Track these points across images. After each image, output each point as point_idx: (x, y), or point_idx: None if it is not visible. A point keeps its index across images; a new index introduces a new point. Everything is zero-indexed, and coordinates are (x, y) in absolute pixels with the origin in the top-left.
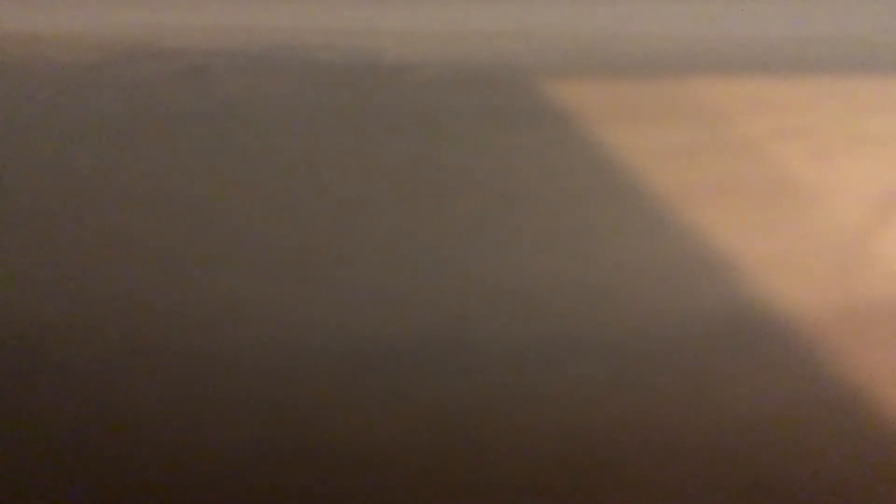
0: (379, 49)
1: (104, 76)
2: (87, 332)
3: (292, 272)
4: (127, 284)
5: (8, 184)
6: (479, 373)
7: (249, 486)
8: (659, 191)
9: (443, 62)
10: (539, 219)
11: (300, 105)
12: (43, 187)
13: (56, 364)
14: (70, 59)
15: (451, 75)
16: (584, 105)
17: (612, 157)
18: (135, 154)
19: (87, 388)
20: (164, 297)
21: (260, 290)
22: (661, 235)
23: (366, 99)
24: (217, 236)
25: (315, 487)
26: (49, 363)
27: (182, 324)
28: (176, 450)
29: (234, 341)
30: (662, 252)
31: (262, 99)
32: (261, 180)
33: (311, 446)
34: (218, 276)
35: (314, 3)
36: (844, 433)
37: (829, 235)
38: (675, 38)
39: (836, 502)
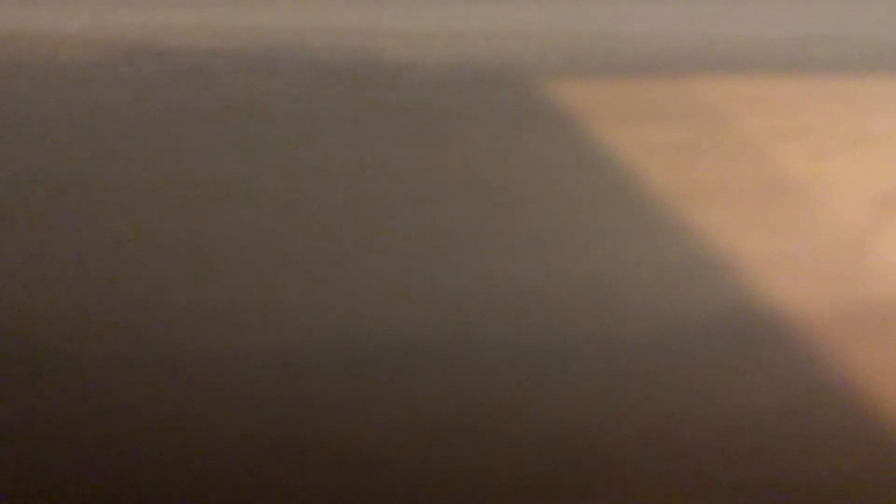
0: (379, 49)
1: (104, 76)
2: (88, 333)
3: (293, 272)
4: (127, 284)
5: (7, 183)
6: (478, 372)
7: (250, 485)
8: (659, 191)
9: (443, 62)
10: (539, 219)
11: (300, 105)
12: (42, 187)
13: (56, 364)
14: (70, 59)
15: (451, 75)
16: (584, 105)
17: (612, 157)
18: (135, 153)
19: (88, 388)
20: (163, 296)
21: (260, 289)
22: (661, 235)
23: (366, 99)
24: (217, 236)
25: (315, 487)
26: (49, 363)
27: (182, 324)
28: (176, 450)
29: (235, 341)
30: (662, 252)
31: (262, 99)
32: (261, 180)
33: (312, 446)
34: (218, 275)
35: (314, 3)
36: (844, 433)
37: (829, 235)
38: (675, 38)
39: (836, 502)
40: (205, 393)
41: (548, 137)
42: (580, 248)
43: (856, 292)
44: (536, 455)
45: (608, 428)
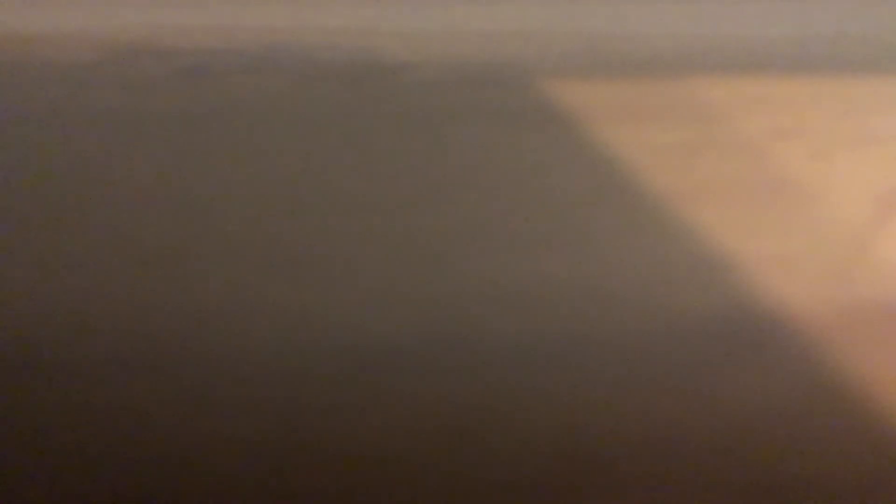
0: (379, 49)
1: (104, 75)
2: (88, 333)
3: (292, 272)
4: (127, 284)
5: (7, 183)
6: (479, 372)
7: (249, 486)
8: (659, 191)
9: (443, 62)
10: (539, 219)
11: (300, 105)
12: (43, 187)
13: (56, 364)
14: (70, 59)
15: (451, 75)
16: (584, 105)
17: (612, 157)
18: (135, 153)
19: (88, 388)
20: (163, 297)
21: (260, 289)
22: (661, 235)
23: (366, 99)
24: (217, 236)
25: (315, 487)
26: (49, 363)
27: (181, 324)
28: (176, 450)
29: (235, 341)
30: (662, 252)
31: (262, 99)
32: (261, 180)
33: (312, 446)
34: (218, 276)
35: (314, 3)
36: (844, 433)
37: (829, 235)
38: (675, 38)
39: (836, 502)
40: (204, 393)
41: (548, 137)
42: (580, 248)
43: (856, 292)
44: (536, 455)
45: (608, 428)
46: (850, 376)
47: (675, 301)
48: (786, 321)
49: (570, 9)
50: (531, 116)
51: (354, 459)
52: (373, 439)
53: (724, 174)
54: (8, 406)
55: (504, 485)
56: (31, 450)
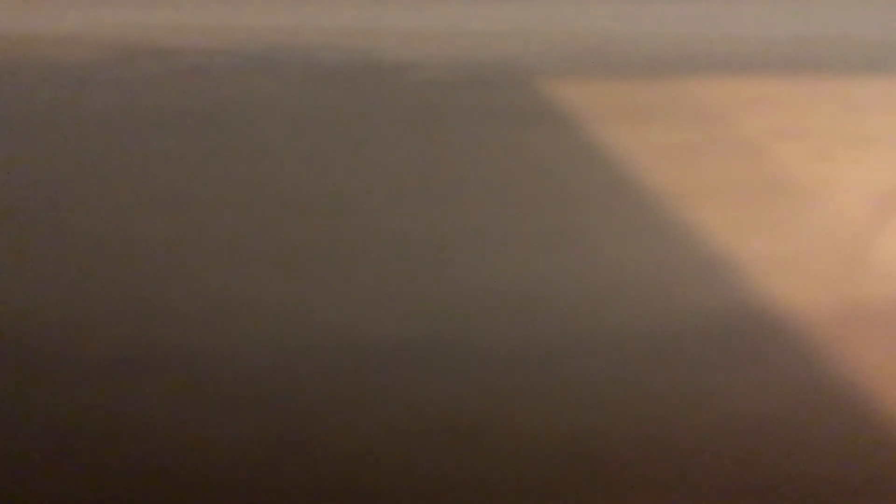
0: (379, 49)
1: (104, 76)
2: (87, 332)
3: (292, 272)
4: (127, 284)
5: (7, 183)
6: (478, 373)
7: (248, 486)
8: (659, 191)
9: (443, 62)
10: (539, 219)
11: (300, 105)
12: (42, 187)
13: (56, 364)
14: (70, 59)
15: (451, 75)
16: (584, 105)
17: (612, 157)
18: (134, 154)
19: (88, 388)
20: (163, 296)
21: (260, 290)
22: (661, 235)
23: (366, 99)
24: (217, 236)
25: (315, 487)
26: (49, 363)
27: (181, 323)
28: (175, 450)
29: (234, 341)
30: (662, 252)
31: (262, 99)
32: (261, 180)
33: (311, 446)
34: (218, 276)
35: (314, 3)
36: (844, 433)
37: (829, 235)
38: (675, 38)
39: (835, 502)
40: (202, 392)
41: (547, 137)
42: (580, 248)
43: (856, 292)
44: (536, 455)
45: (608, 428)
46: (850, 376)
47: (675, 301)
48: (786, 321)
49: (570, 9)
50: (531, 116)
51: (352, 459)
52: (370, 439)
53: (724, 174)
54: (8, 406)
55: (503, 485)
56: (31, 450)
